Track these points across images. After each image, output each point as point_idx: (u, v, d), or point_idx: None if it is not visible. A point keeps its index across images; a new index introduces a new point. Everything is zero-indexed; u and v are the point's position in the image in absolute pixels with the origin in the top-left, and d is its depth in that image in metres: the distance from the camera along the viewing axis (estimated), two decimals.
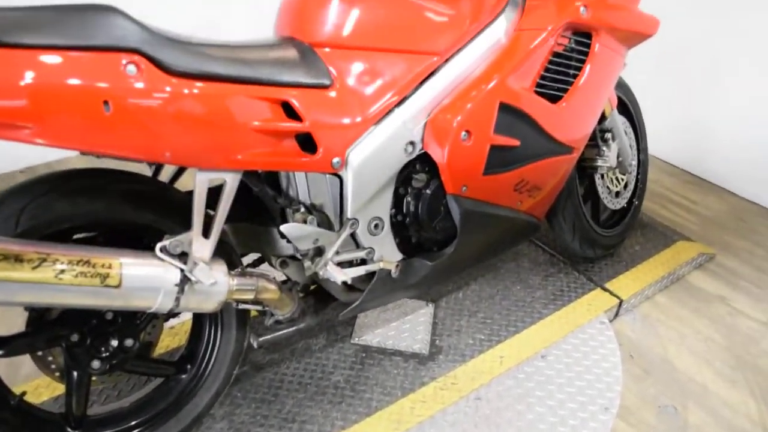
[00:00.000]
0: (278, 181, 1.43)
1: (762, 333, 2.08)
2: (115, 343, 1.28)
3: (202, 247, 1.20)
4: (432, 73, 1.43)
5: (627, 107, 2.22)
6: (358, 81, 1.34)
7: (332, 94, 1.30)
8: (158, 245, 1.18)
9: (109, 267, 1.11)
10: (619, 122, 2.06)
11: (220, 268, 1.26)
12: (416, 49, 1.39)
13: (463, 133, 1.43)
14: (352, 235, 1.44)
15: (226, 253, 1.34)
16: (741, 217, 2.85)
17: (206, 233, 1.21)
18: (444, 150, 1.42)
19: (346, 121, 1.32)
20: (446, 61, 1.44)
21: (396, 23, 1.36)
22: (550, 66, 1.57)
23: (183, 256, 1.20)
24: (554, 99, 1.61)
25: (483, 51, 1.48)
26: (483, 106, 1.44)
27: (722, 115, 3.03)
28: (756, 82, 2.84)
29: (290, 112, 1.25)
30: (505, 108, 1.48)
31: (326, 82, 1.29)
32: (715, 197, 3.02)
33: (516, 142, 1.55)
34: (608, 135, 2.02)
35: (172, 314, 1.34)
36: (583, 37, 1.63)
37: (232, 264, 1.35)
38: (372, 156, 1.37)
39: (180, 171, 1.44)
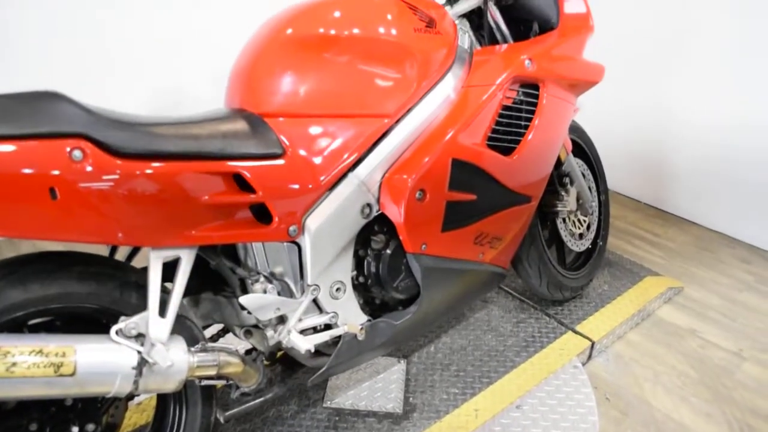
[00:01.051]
0: (236, 251, 1.42)
1: (735, 364, 2.09)
2: (75, 429, 1.24)
3: (159, 327, 1.19)
4: (384, 135, 1.45)
5: (583, 150, 2.26)
6: (310, 148, 1.35)
7: (285, 162, 1.31)
8: (113, 328, 1.16)
9: (63, 355, 1.09)
10: (576, 166, 2.10)
11: (179, 347, 1.23)
12: (366, 113, 1.41)
13: (418, 192, 1.44)
14: (315, 301, 1.44)
15: (186, 329, 1.32)
16: (705, 247, 2.90)
17: (163, 312, 1.20)
18: (400, 210, 1.43)
19: (301, 188, 1.33)
20: (397, 121, 1.46)
21: (344, 89, 1.39)
22: (501, 119, 1.60)
23: (140, 337, 1.18)
24: (507, 151, 1.64)
25: (433, 109, 1.50)
26: (436, 163, 1.46)
27: (678, 147, 3.11)
28: (707, 113, 2.93)
29: (243, 183, 1.26)
30: (458, 164, 1.50)
31: (278, 151, 1.30)
32: (679, 229, 3.08)
33: (472, 197, 1.56)
34: (566, 179, 2.06)
35: (133, 395, 1.31)
36: (530, 88, 1.67)
37: (194, 339, 1.33)
38: (329, 221, 1.38)
39: (137, 247, 1.43)
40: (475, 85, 1.55)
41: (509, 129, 1.63)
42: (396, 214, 1.44)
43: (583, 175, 2.23)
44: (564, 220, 2.16)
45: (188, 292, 1.38)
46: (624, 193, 3.44)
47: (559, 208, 2.05)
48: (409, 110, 1.47)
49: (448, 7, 1.74)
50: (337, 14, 1.39)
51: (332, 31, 1.37)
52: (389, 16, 1.43)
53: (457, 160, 1.49)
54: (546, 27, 1.80)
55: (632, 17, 3.12)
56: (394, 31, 1.41)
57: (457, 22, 1.72)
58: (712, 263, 2.75)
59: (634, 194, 3.40)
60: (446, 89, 1.53)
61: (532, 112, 1.67)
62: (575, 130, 2.21)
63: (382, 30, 1.41)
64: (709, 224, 3.08)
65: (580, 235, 2.25)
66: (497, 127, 1.59)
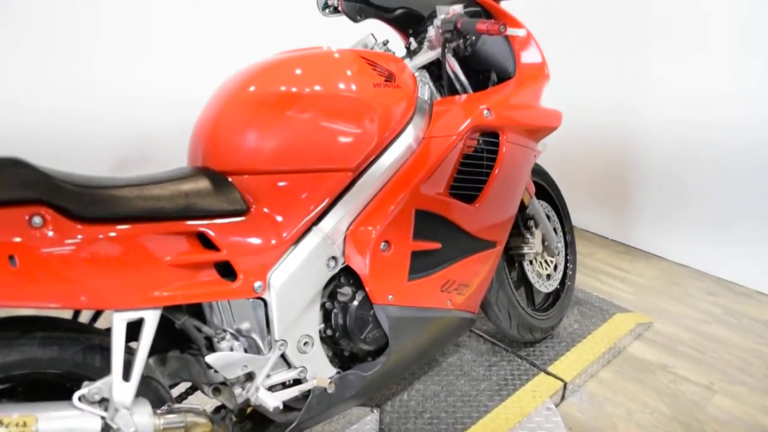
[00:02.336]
0: (201, 309, 1.41)
1: (706, 397, 2.11)
2: None
3: (123, 391, 1.17)
4: (346, 189, 1.47)
5: (547, 192, 2.31)
6: (273, 204, 1.37)
7: (248, 219, 1.33)
8: (76, 394, 1.14)
9: (24, 425, 1.07)
10: (540, 208, 2.14)
11: (144, 410, 1.22)
12: (329, 167, 1.43)
13: (383, 243, 1.46)
14: (283, 356, 1.43)
15: (152, 390, 1.30)
16: (673, 281, 2.95)
17: (127, 375, 1.18)
18: (365, 261, 1.45)
19: (265, 244, 1.35)
20: (360, 174, 1.48)
21: (306, 145, 1.40)
22: (462, 168, 1.63)
23: (104, 402, 1.17)
24: (470, 198, 1.67)
25: (394, 161, 1.53)
26: (400, 214, 1.48)
27: (642, 182, 3.19)
28: (669, 148, 3.02)
29: (207, 242, 1.27)
30: (421, 214, 1.52)
31: (241, 208, 1.32)
32: (646, 264, 3.13)
33: (437, 245, 1.59)
34: (531, 222, 2.10)
35: None
36: (490, 137, 1.71)
37: (160, 400, 1.31)
38: (294, 276, 1.39)
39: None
40: (435, 136, 1.58)
41: (471, 177, 1.66)
42: (361, 266, 1.46)
43: (548, 217, 2.27)
44: (531, 262, 2.19)
45: (155, 351, 1.37)
46: (591, 231, 3.51)
47: (525, 251, 2.08)
48: (371, 163, 1.50)
49: (407, 60, 1.79)
50: (297, 72, 1.42)
51: (293, 89, 1.39)
52: (348, 73, 1.46)
53: (420, 210, 1.52)
54: (504, 76, 1.85)
55: (593, 55, 3.23)
56: (353, 87, 1.44)
57: (416, 74, 1.76)
58: (680, 297, 2.80)
59: (602, 231, 3.47)
60: (407, 141, 1.56)
61: (493, 160, 1.71)
62: (538, 172, 2.25)
63: (342, 86, 1.44)
64: (676, 258, 3.14)
65: (548, 276, 2.28)
66: (459, 176, 1.63)
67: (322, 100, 1.41)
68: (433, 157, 1.56)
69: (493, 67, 1.86)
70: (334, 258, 1.45)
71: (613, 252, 3.28)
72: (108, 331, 1.23)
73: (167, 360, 1.49)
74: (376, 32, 1.88)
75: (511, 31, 1.56)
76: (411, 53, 1.84)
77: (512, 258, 2.14)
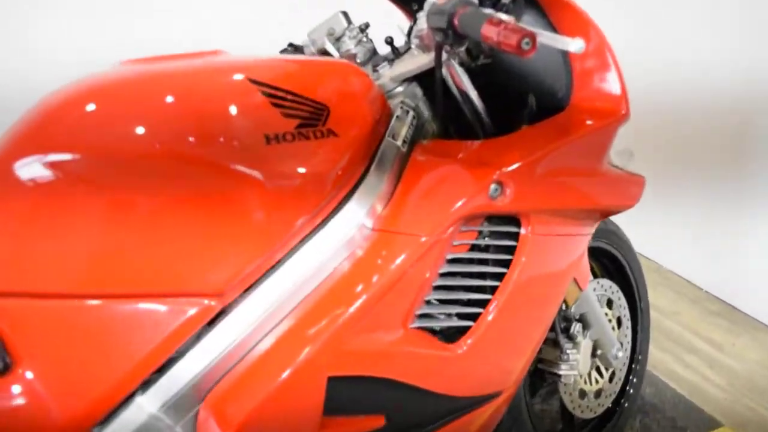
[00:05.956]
0: None
1: None
2: None
3: None
4: (206, 328, 0.81)
5: (620, 266, 1.54)
6: (58, 356, 0.76)
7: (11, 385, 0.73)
8: None
9: None
10: (595, 304, 1.37)
11: None
12: (172, 290, 0.78)
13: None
14: None
15: None
16: None
17: None
18: None
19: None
20: (232, 303, 0.82)
21: (129, 250, 0.77)
22: (444, 282, 0.93)
23: None
24: (456, 330, 0.97)
25: (302, 279, 0.85)
26: (295, 383, 0.81)
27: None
28: None
29: None
30: (342, 382, 0.84)
31: None
32: (752, 338, 2.29)
33: (377, 422, 0.91)
34: (575, 327, 1.35)
35: None
36: (505, 224, 0.99)
37: None
38: None
39: None
40: (393, 231, 0.88)
41: (460, 297, 0.96)
42: None
43: (609, 302, 1.51)
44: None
45: None
46: (680, 274, 2.64)
47: (561, 371, 1.34)
48: (256, 282, 0.83)
49: (385, 69, 1.08)
50: (124, 110, 0.77)
51: (108, 142, 0.75)
52: (224, 116, 0.78)
53: (339, 377, 0.84)
54: (548, 104, 1.10)
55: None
56: (220, 148, 0.77)
57: (400, 89, 1.06)
58: None
59: (695, 277, 2.59)
60: (337, 236, 0.87)
61: (505, 263, 0.99)
62: (604, 232, 1.49)
63: (201, 146, 0.77)
64: None
65: (597, 394, 1.53)
66: (435, 297, 0.93)
67: (161, 170, 0.76)
68: (383, 272, 0.86)
69: (531, 86, 1.11)
70: None
71: (706, 313, 2.43)
72: None
73: None
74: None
75: (545, 39, 0.80)
76: (398, 53, 1.12)
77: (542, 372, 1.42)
